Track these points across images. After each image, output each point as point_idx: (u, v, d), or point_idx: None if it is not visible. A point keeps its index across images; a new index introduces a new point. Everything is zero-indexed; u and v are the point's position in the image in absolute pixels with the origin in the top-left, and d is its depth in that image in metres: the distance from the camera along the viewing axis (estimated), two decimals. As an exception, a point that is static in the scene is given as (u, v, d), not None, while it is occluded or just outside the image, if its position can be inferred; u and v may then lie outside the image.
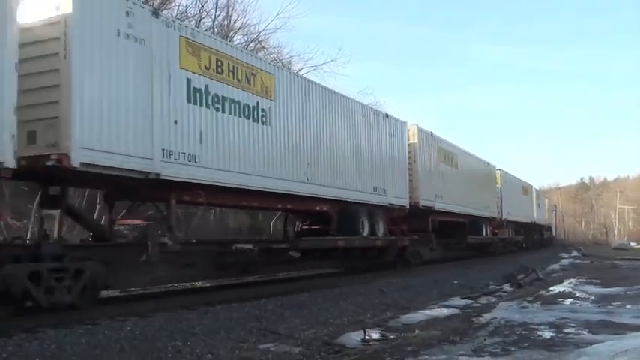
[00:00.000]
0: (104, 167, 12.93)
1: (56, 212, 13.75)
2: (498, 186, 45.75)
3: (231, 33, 37.22)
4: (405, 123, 27.54)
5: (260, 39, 39.08)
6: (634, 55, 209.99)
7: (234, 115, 16.76)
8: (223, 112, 16.35)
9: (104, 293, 16.42)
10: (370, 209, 24.23)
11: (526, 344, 10.84)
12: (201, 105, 15.58)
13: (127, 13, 13.54)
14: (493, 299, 18.26)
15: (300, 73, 39.60)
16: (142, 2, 14.97)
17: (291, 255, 20.96)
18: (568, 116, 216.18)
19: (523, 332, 12.06)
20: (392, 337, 11.58)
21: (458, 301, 17.34)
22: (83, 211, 16.82)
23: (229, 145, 16.45)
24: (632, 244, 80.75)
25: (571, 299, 18.12)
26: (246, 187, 17.18)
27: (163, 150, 14.24)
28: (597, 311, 15.29)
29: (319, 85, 22.15)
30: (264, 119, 17.96)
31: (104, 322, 11.33)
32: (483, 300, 17.98)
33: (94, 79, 12.66)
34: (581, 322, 13.23)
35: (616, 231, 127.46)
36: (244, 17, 39.25)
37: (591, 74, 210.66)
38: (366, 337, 11.15)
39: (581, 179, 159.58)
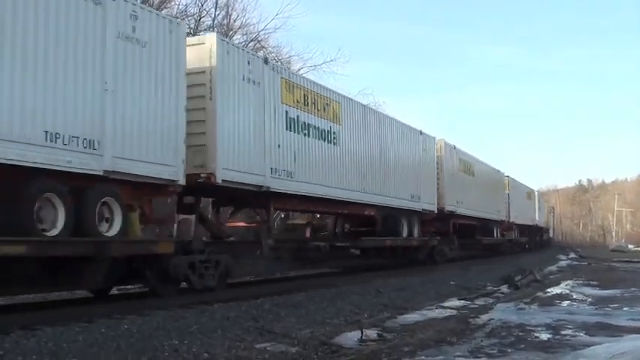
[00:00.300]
0: (234, 182, 16.96)
1: (192, 217, 18.81)
2: (506, 192, 49.65)
3: (230, 32, 37.26)
4: (434, 138, 32.05)
5: (259, 38, 39.19)
6: (633, 56, 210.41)
7: (315, 138, 20.87)
8: (308, 136, 20.46)
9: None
10: (408, 214, 28.47)
11: (523, 346, 10.86)
12: (295, 132, 19.71)
13: (248, 62, 17.68)
14: (490, 301, 18.27)
15: (300, 72, 39.77)
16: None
17: (353, 252, 25.59)
18: (567, 117, 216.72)
19: (520, 334, 12.07)
20: (389, 337, 11.58)
21: (455, 302, 17.33)
22: (207, 216, 19.99)
23: (312, 162, 20.56)
24: (630, 246, 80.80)
25: (568, 301, 18.14)
26: (324, 196, 21.32)
27: (271, 168, 18.35)
28: (594, 313, 15.31)
29: (372, 109, 27.35)
30: (335, 140, 22.10)
31: (101, 321, 11.32)
32: (480, 301, 17.98)
33: (229, 115, 16.76)
34: (579, 324, 13.25)
35: (614, 233, 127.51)
36: (244, 16, 39.35)
37: (590, 75, 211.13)
38: (363, 338, 11.15)
39: (580, 181, 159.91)
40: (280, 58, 42.00)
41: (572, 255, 55.61)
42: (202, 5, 35.37)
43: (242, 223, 21.97)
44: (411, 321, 13.59)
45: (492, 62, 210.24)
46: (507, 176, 51.09)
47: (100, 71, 12.82)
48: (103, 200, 13.06)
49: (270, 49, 40.98)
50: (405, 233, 28.16)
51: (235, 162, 16.79)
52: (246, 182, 17.36)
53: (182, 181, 14.85)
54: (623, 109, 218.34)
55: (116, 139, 13.10)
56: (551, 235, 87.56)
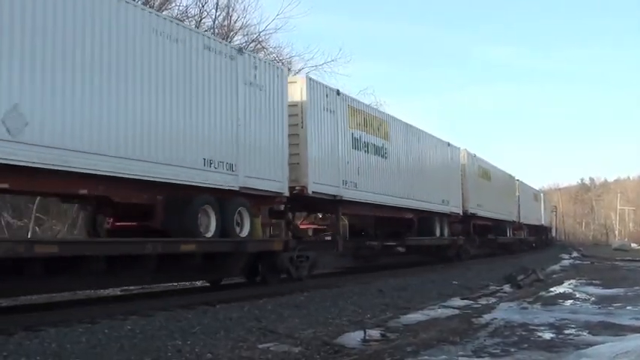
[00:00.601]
0: (319, 193, 20.93)
1: (282, 221, 21.69)
2: (517, 194, 53.96)
3: (231, 33, 37.25)
4: (459, 148, 36.35)
5: (260, 39, 39.12)
6: (635, 55, 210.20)
7: (372, 154, 25.00)
8: (368, 152, 24.59)
9: (104, 292, 16.58)
10: (440, 216, 32.40)
11: (526, 345, 10.85)
12: (358, 150, 23.81)
13: (326, 95, 21.76)
14: (493, 300, 18.25)
15: (301, 72, 39.89)
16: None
17: (399, 250, 30.34)
18: (569, 116, 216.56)
19: (523, 333, 12.06)
20: (392, 337, 11.58)
21: (457, 301, 17.33)
22: (291, 220, 22.79)
23: (370, 174, 24.62)
24: (633, 245, 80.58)
25: (571, 300, 18.14)
26: (378, 202, 25.33)
27: (343, 180, 22.38)
28: (598, 312, 15.30)
29: (412, 125, 29.84)
30: (385, 155, 26.10)
31: (104, 321, 11.33)
32: (483, 301, 17.97)
33: (314, 138, 20.77)
34: (582, 324, 13.24)
35: (616, 232, 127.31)
36: (245, 17, 39.34)
37: (592, 74, 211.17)
38: (366, 338, 11.15)
39: (582, 180, 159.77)
40: (281, 58, 42.02)
41: (574, 254, 55.58)
42: (203, 6, 35.35)
43: (314, 225, 25.75)
44: (413, 321, 13.58)
45: (493, 62, 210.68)
46: (518, 180, 55.15)
47: (235, 110, 16.98)
48: (238, 210, 17.18)
49: (271, 49, 40.97)
50: (437, 233, 32.15)
51: (319, 176, 20.85)
52: (325, 192, 21.42)
53: (286, 193, 19.11)
54: (625, 108, 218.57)
55: (245, 162, 17.19)
56: (553, 234, 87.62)
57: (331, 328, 12.39)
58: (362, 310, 14.77)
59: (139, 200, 14.78)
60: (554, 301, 17.87)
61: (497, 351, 10.33)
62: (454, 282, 22.36)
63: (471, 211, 37.21)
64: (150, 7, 29.61)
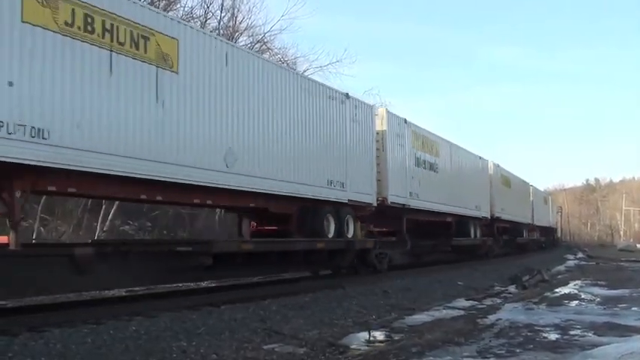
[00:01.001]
0: (395, 203, 25.41)
1: (365, 225, 24.16)
2: (531, 199, 57.62)
3: (236, 34, 37.27)
4: (487, 160, 41.02)
5: (265, 40, 39.13)
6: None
7: (427, 169, 29.33)
8: (425, 168, 28.98)
9: (109, 292, 16.59)
10: (473, 220, 36.40)
11: (531, 346, 10.85)
12: (418, 167, 28.24)
13: (398, 124, 26.48)
14: (498, 301, 18.26)
15: (306, 73, 39.93)
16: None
17: (445, 249, 33.92)
18: (574, 116, 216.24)
19: (528, 334, 12.06)
20: (397, 338, 11.58)
21: (462, 302, 17.33)
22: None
23: (427, 186, 28.61)
24: (638, 245, 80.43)
25: (577, 301, 18.13)
26: (432, 209, 29.60)
27: (409, 192, 26.80)
28: (603, 313, 15.29)
29: (454, 143, 34.06)
30: (436, 170, 30.44)
31: (109, 322, 11.33)
32: (488, 301, 17.98)
33: (391, 159, 25.34)
34: (587, 324, 13.23)
35: (622, 232, 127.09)
36: (250, 18, 39.28)
37: (598, 75, 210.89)
38: (371, 338, 11.15)
39: (587, 180, 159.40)
40: (286, 59, 42.05)
41: (580, 255, 55.56)
42: (208, 7, 35.39)
43: (384, 228, 27.58)
44: (418, 322, 13.58)
45: (499, 63, 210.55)
46: (531, 185, 59.54)
47: (345, 142, 21.88)
48: (346, 217, 22.03)
49: (275, 50, 41.04)
50: (472, 235, 36.13)
51: (395, 190, 25.32)
52: (398, 202, 25.75)
53: (374, 203, 23.65)
54: (630, 108, 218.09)
55: (351, 180, 21.96)
56: (559, 234, 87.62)
57: (336, 328, 12.39)
58: (367, 311, 14.77)
59: (284, 210, 19.58)
60: (559, 301, 17.86)
61: (503, 352, 10.33)
62: (459, 283, 22.34)
63: (497, 214, 41.25)
64: (157, 7, 29.83)
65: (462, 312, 15.41)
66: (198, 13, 34.59)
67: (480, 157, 39.32)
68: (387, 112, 26.11)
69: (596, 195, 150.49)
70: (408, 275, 23.69)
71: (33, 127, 11.34)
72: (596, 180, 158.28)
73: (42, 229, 25.62)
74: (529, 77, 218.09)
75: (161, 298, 15.39)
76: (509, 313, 15.11)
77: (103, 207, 26.66)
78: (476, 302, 17.57)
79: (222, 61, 16.33)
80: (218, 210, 29.02)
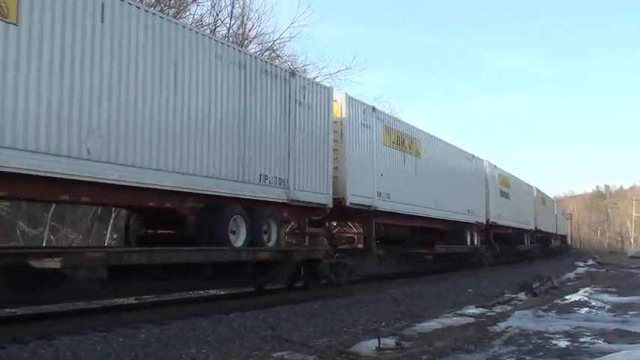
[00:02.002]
0: (355, 204, 22.07)
1: (321, 229, 22.83)
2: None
3: (246, 42, 37.33)
4: (482, 160, 37.88)
5: (275, 47, 39.21)
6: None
7: (403, 167, 26.52)
8: (400, 165, 26.23)
9: (118, 301, 16.59)
10: (469, 226, 34.51)
11: (541, 353, 10.82)
12: (391, 163, 25.33)
13: (364, 112, 23.27)
14: (508, 308, 18.21)
15: (316, 80, 39.99)
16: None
17: (427, 257, 30.76)
18: (583, 123, 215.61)
19: (538, 341, 12.03)
20: (407, 345, 11.55)
21: (472, 309, 17.29)
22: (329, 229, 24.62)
23: (402, 185, 25.80)
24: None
25: (586, 308, 18.07)
26: (412, 213, 26.98)
27: (377, 192, 23.70)
28: (613, 320, 15.24)
29: (442, 139, 31.64)
30: (416, 168, 27.71)
31: (119, 329, 11.35)
32: (498, 309, 17.92)
33: (354, 152, 22.37)
34: (597, 332, 13.19)
35: (632, 239, 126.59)
36: (259, 26, 39.38)
37: (606, 82, 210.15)
38: (381, 346, 11.13)
39: (597, 187, 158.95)
40: (296, 66, 42.08)
41: (590, 262, 55.35)
42: (217, 15, 35.46)
43: (350, 233, 26.12)
44: (428, 329, 13.55)
45: (508, 70, 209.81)
46: (535, 188, 57.66)
47: (288, 130, 18.69)
48: (266, 219, 18.16)
49: (285, 57, 41.08)
50: (468, 242, 34.54)
51: (356, 189, 22.04)
52: (361, 203, 22.54)
53: (331, 205, 20.52)
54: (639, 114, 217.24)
55: (296, 176, 18.91)
56: (568, 241, 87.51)
57: (346, 336, 12.37)
58: (377, 319, 14.73)
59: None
60: (569, 308, 17.81)
61: (512, 359, 10.31)
62: (469, 290, 22.29)
63: (493, 220, 38.41)
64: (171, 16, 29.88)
65: (471, 319, 15.37)
66: (207, 20, 34.67)
67: (474, 156, 36.53)
68: (348, 96, 22.55)
69: (606, 202, 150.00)
70: (419, 282, 23.65)
71: None
72: (606, 187, 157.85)
73: (52, 236, 25.72)
74: (537, 85, 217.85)
75: (171, 305, 15.40)
76: (519, 320, 15.07)
77: (113, 215, 26.71)
78: (486, 309, 17.51)
79: (96, 16, 12.76)
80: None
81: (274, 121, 17.96)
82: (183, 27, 15.65)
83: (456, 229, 32.37)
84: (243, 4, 37.23)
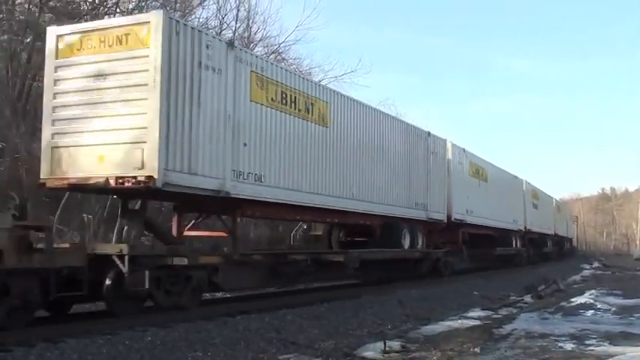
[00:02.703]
0: (457, 219, 29.97)
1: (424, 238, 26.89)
2: (554, 212, 62.15)
3: (251, 45, 37.34)
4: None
5: (280, 50, 39.22)
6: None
7: (479, 189, 33.92)
8: (477, 189, 33.71)
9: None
10: (514, 232, 40.89)
11: (547, 356, 10.81)
12: (472, 187, 32.71)
13: (459, 153, 30.85)
14: (514, 310, 18.21)
15: (322, 83, 40.07)
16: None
17: (491, 258, 37.00)
18: (589, 126, 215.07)
19: (544, 344, 12.02)
20: (412, 348, 11.56)
21: (478, 312, 17.29)
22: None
23: (478, 203, 33.04)
24: (655, 254, 79.97)
25: (592, 310, 18.05)
26: (483, 224, 33.99)
27: (466, 209, 30.96)
28: (618, 323, 15.23)
29: (496, 166, 37.88)
30: (485, 189, 34.77)
31: (125, 332, 11.36)
32: (504, 311, 17.93)
33: (455, 182, 30.33)
34: (603, 334, 13.19)
35: (638, 242, 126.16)
36: (264, 29, 39.39)
37: (612, 84, 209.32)
38: (386, 349, 11.14)
39: (603, 189, 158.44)
40: (301, 69, 42.09)
41: (595, 264, 55.28)
42: (223, 18, 35.47)
43: (443, 239, 29.72)
44: (434, 332, 13.56)
45: (513, 73, 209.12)
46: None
47: (427, 171, 27.61)
48: (417, 232, 26.54)
49: (291, 60, 41.10)
50: (513, 245, 41.59)
51: (457, 208, 30.00)
52: (459, 218, 30.17)
53: (445, 220, 29.19)
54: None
55: (431, 202, 27.81)
56: (574, 244, 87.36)
57: (351, 339, 12.39)
58: (382, 321, 14.75)
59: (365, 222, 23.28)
60: (575, 311, 17.80)
61: (518, 362, 10.31)
62: (475, 292, 22.27)
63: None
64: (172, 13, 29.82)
65: (477, 322, 15.38)
66: (213, 24, 34.68)
67: (516, 177, 43.89)
68: (452, 144, 29.95)
69: (612, 204, 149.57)
70: (425, 285, 23.61)
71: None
72: (612, 189, 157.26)
73: (58, 239, 25.78)
74: (543, 87, 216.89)
75: (175, 308, 15.41)
76: (525, 322, 15.07)
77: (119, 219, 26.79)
78: (491, 312, 17.52)
79: (360, 119, 21.99)
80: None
81: (420, 166, 26.66)
82: (390, 117, 26.06)
83: (503, 235, 38.74)
84: (249, 7, 37.27)
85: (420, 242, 26.36)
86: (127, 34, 14.08)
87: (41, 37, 25.87)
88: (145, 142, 13.57)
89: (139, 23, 14.17)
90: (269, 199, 17.22)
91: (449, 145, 30.02)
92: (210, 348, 10.70)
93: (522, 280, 27.87)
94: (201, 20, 34.57)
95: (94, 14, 28.08)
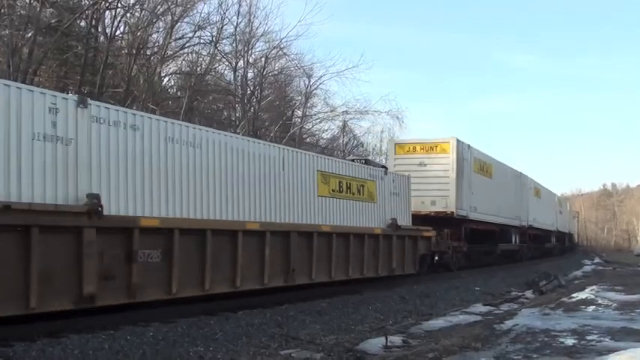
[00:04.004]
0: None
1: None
2: (556, 208, 62.88)
3: (253, 40, 37.37)
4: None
5: (282, 46, 39.22)
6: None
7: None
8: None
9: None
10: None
11: (548, 351, 10.82)
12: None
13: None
14: (515, 306, 18.23)
15: (322, 79, 40.52)
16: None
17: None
18: (590, 122, 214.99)
19: (545, 339, 12.04)
20: (414, 343, 11.58)
21: (480, 307, 17.31)
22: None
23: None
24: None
25: (593, 306, 18.06)
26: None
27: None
28: (620, 318, 15.24)
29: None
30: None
31: (127, 328, 11.38)
32: (505, 307, 17.95)
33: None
34: (604, 330, 13.19)
35: (639, 237, 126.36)
36: (266, 24, 39.36)
37: (613, 80, 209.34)
38: (388, 344, 11.15)
39: (604, 185, 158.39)
40: (302, 65, 42.14)
41: (596, 260, 55.41)
42: (224, 13, 35.39)
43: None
44: (435, 327, 13.58)
45: (514, 70, 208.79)
46: (556, 195, 65.37)
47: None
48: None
49: (292, 56, 41.13)
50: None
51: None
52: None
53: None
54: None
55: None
56: (575, 240, 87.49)
57: (353, 334, 12.40)
58: (384, 317, 14.78)
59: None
60: (576, 307, 17.80)
61: (519, 357, 10.31)
62: (477, 288, 22.30)
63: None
64: (171, 15, 29.89)
65: (479, 317, 15.39)
66: (214, 19, 34.62)
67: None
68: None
69: (613, 200, 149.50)
70: (426, 281, 23.62)
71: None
72: (613, 185, 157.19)
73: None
74: (544, 84, 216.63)
75: (178, 304, 15.41)
76: (526, 318, 15.07)
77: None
78: (493, 308, 17.54)
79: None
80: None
81: (515, 194, 40.19)
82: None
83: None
84: (250, 2, 37.18)
85: (517, 240, 42.08)
86: (436, 146, 29.70)
87: (42, 32, 26.14)
88: (448, 196, 28.93)
89: (444, 142, 29.65)
90: (478, 218, 32.49)
91: (528, 178, 45.72)
92: (212, 343, 10.72)
93: (523, 276, 27.93)
94: (202, 16, 34.57)
95: (95, 9, 28.11)
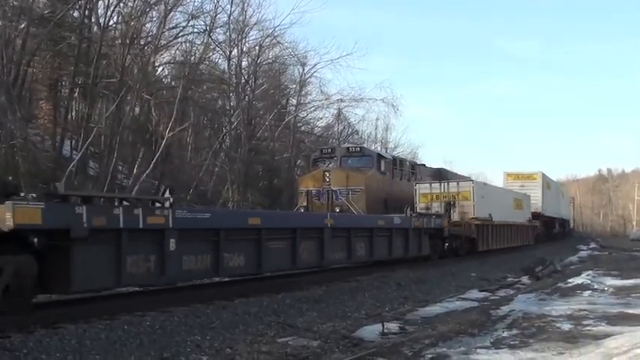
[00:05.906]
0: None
1: None
2: (561, 197, 68.41)
3: (246, 28, 37.32)
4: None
5: (275, 34, 39.20)
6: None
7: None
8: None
9: (122, 288, 16.58)
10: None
11: (544, 336, 10.87)
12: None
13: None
14: (511, 292, 18.29)
15: (317, 67, 40.49)
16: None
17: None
18: (586, 107, 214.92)
19: (541, 324, 12.08)
20: (410, 330, 11.62)
21: (476, 293, 17.35)
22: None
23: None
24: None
25: (589, 291, 18.12)
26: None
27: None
28: (615, 303, 15.29)
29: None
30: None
31: (123, 317, 11.36)
32: (501, 292, 18.00)
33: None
34: (600, 314, 13.25)
35: (634, 222, 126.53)
36: (259, 12, 39.54)
37: (609, 65, 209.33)
38: (385, 331, 11.18)
39: (599, 171, 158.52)
40: (297, 53, 42.12)
41: (592, 245, 55.57)
42: (218, 2, 35.41)
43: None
44: (432, 313, 13.62)
45: (510, 55, 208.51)
46: (561, 185, 75.56)
47: None
48: None
49: (286, 44, 41.11)
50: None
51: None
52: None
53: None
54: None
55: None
56: (571, 225, 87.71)
57: (350, 321, 12.43)
58: (380, 304, 14.80)
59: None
60: (572, 292, 17.87)
61: (516, 342, 10.36)
62: (472, 274, 22.33)
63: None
64: (164, 4, 29.77)
65: (475, 303, 15.44)
66: (208, 7, 34.59)
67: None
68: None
69: (609, 185, 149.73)
70: (422, 267, 23.63)
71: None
72: (609, 170, 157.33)
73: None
74: (539, 69, 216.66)
75: (175, 292, 15.42)
76: (522, 304, 15.13)
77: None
78: (489, 293, 17.59)
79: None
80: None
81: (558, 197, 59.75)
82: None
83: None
84: (244, -10, 37.11)
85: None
86: (531, 176, 51.66)
87: (35, 22, 26.09)
88: (536, 202, 48.34)
89: (535, 175, 51.93)
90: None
91: (540, 175, 53.07)
92: (209, 332, 10.73)
93: (519, 262, 27.96)
94: (195, 5, 34.58)
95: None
